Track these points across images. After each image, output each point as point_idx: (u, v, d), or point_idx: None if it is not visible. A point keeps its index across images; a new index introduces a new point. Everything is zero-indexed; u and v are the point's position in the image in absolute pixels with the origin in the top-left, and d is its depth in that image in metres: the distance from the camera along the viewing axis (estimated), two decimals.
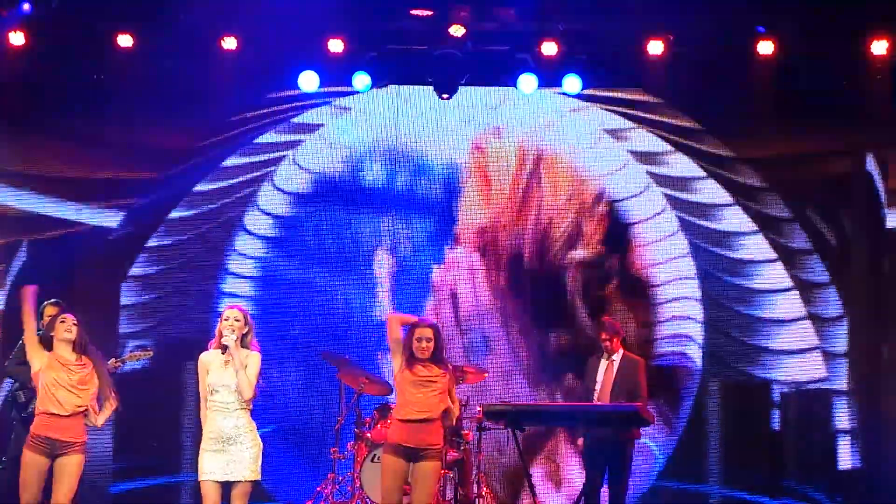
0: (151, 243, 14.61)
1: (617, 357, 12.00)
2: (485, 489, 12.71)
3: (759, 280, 14.09)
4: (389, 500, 10.09)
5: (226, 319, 9.68)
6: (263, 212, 14.65)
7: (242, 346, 9.69)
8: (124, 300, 14.54)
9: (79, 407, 9.81)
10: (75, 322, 10.01)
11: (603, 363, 12.03)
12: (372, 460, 12.45)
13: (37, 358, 9.93)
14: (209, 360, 9.69)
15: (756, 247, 14.14)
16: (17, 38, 13.93)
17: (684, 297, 14.16)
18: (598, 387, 11.96)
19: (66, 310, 12.09)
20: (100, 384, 9.92)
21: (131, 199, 14.62)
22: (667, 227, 14.28)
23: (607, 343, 12.02)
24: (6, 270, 14.61)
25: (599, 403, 11.82)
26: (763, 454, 13.86)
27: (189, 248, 14.62)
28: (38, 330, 10.19)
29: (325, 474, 13.04)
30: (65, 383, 9.79)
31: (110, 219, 14.64)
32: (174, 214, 14.64)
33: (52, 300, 12.20)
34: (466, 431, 12.58)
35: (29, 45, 13.99)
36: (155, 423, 14.21)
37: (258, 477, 9.58)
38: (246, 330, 9.72)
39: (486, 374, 13.02)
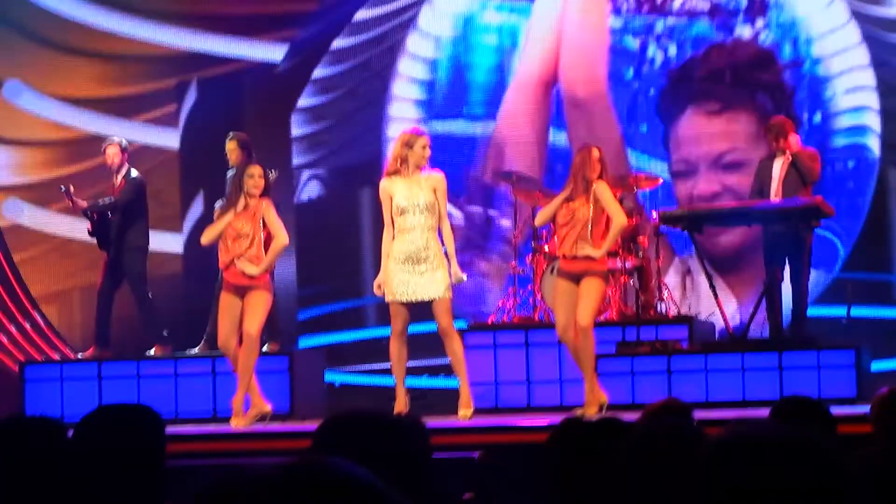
0: (317, 74, 14.70)
1: (790, 154, 11.80)
2: (666, 293, 12.71)
3: None
4: (560, 319, 10.15)
5: (423, 147, 9.58)
6: (425, 33, 14.61)
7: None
8: (295, 131, 14.71)
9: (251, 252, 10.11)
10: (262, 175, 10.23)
11: (778, 161, 11.84)
12: (551, 272, 12.52)
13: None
14: (391, 184, 9.68)
15: None
16: None
17: (859, 86, 13.85)
18: (773, 184, 11.80)
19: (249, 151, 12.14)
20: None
21: (294, 31, 14.70)
22: (838, 17, 13.93)
23: (773, 144, 11.79)
24: (178, 109, 14.85)
25: (778, 200, 11.68)
26: None
27: (354, 75, 14.68)
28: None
29: (505, 289, 13.17)
30: (234, 233, 10.12)
31: (275, 52, 14.75)
32: (337, 44, 14.68)
33: (232, 134, 12.31)
34: (643, 237, 12.58)
35: None
36: (335, 248, 14.44)
37: (450, 294, 9.59)
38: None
39: (661, 180, 12.93)
